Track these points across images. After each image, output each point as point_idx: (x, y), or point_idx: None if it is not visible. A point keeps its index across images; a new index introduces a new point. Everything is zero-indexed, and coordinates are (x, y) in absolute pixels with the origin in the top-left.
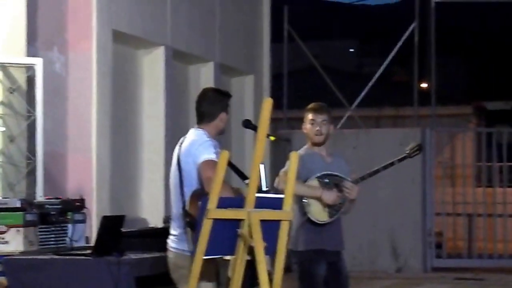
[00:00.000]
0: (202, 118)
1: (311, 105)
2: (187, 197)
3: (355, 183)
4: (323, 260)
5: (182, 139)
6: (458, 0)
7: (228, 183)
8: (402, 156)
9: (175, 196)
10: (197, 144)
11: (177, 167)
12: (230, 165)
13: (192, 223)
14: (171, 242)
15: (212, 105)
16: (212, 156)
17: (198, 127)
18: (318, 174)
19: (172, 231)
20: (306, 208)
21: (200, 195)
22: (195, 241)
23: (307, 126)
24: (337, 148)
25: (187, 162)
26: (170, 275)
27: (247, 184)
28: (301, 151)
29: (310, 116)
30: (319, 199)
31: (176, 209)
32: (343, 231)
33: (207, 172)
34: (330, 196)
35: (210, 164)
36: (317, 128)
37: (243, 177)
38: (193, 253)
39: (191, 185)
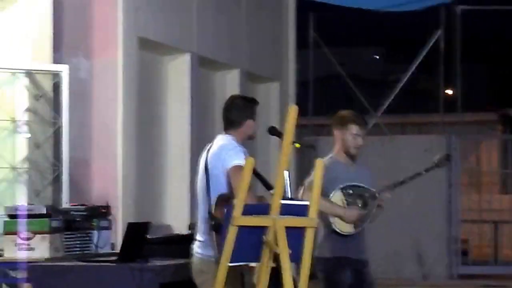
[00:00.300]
0: (229, 125)
1: (357, 117)
2: (213, 201)
3: (378, 195)
4: (349, 268)
5: (209, 145)
6: (483, 7)
7: (253, 191)
8: (430, 166)
9: (201, 201)
10: (227, 149)
11: (204, 171)
12: (256, 174)
13: (217, 226)
14: (196, 247)
15: (238, 112)
16: (242, 162)
17: (226, 133)
18: (342, 186)
19: (198, 237)
20: (331, 219)
21: (227, 199)
22: (220, 246)
23: (348, 138)
24: (362, 155)
25: (216, 166)
26: (193, 280)
27: (272, 194)
28: (326, 160)
29: (355, 129)
30: (341, 218)
31: (202, 214)
32: (366, 240)
33: (236, 180)
34: (352, 215)
35: (241, 171)
36: (360, 143)
37: (268, 187)
38: (218, 259)
39: (218, 190)
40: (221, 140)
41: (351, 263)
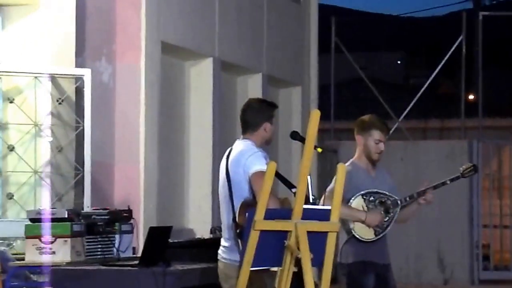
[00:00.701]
0: (246, 128)
1: (379, 123)
2: (237, 208)
3: (400, 204)
4: (372, 271)
5: (228, 151)
6: (505, 13)
7: (275, 195)
8: (455, 176)
9: (225, 208)
10: (247, 154)
11: (226, 178)
12: (277, 174)
13: (242, 233)
14: (222, 252)
15: (256, 114)
16: (264, 167)
17: (244, 138)
18: (363, 192)
19: (223, 242)
20: (351, 226)
21: (250, 205)
22: (242, 251)
23: (370, 144)
24: (384, 160)
25: (237, 172)
26: (220, 285)
27: (294, 193)
28: (347, 166)
29: (377, 135)
30: (363, 222)
31: (225, 220)
32: (388, 245)
33: (259, 185)
34: (374, 219)
35: (263, 176)
36: (382, 149)
37: (290, 185)
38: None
39: (240, 196)
40: (240, 146)
41: (374, 267)
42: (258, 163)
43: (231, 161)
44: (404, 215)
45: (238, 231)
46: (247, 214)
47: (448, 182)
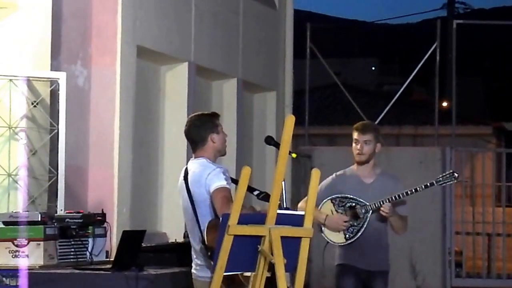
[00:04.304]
0: (196, 146)
1: (356, 124)
2: (204, 229)
3: (371, 207)
4: (352, 276)
5: (183, 171)
6: (479, 22)
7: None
8: (429, 182)
9: (192, 230)
10: (206, 173)
11: (189, 200)
12: (234, 181)
13: (213, 256)
14: (196, 271)
15: (199, 129)
16: (223, 182)
17: (196, 157)
18: (333, 196)
19: (195, 260)
20: (322, 228)
21: (216, 225)
22: (215, 258)
23: (352, 145)
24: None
25: (200, 193)
26: None
27: (256, 195)
28: (340, 171)
29: (354, 135)
30: (324, 225)
31: (194, 241)
32: (384, 251)
33: (218, 201)
34: (333, 222)
35: (222, 192)
36: (358, 147)
37: (251, 189)
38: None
39: (206, 216)
40: (196, 165)
41: (356, 272)
42: (217, 179)
43: (191, 182)
44: (393, 225)
45: (209, 253)
46: (221, 218)
47: (421, 189)
